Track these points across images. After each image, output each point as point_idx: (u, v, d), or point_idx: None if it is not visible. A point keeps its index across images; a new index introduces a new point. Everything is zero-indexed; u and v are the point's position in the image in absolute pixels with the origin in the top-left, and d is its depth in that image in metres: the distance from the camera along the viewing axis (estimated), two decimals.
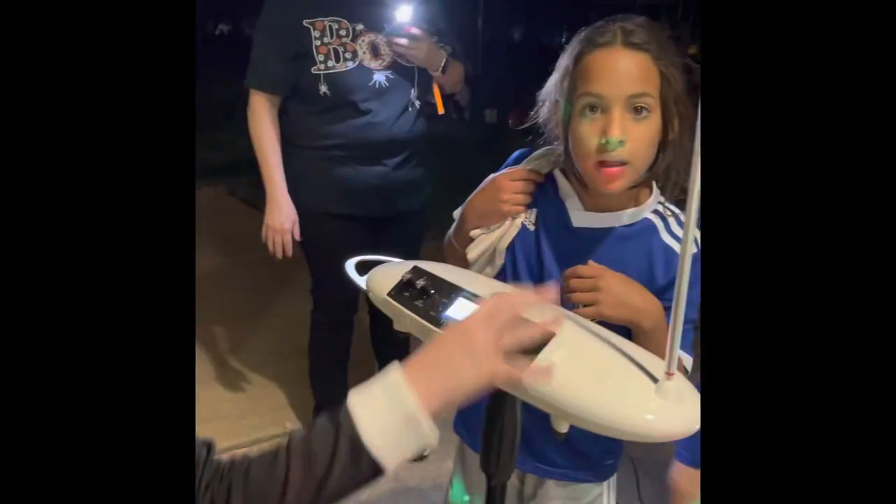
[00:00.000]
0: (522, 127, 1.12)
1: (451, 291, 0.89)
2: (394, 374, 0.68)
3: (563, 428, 0.78)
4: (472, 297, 0.87)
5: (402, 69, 1.98)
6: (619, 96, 0.95)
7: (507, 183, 1.09)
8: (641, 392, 0.72)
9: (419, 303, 0.90)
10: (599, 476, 1.23)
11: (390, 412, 0.66)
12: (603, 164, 0.97)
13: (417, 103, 2.03)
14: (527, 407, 1.05)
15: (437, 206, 2.13)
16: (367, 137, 1.97)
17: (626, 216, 1.07)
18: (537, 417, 1.09)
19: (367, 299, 2.29)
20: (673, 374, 0.71)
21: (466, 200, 1.15)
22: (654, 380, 0.73)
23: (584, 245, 1.06)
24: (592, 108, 0.97)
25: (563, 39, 1.06)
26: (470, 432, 1.27)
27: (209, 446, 0.67)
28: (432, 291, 0.90)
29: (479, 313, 0.73)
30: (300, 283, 2.54)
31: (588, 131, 0.97)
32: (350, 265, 1.11)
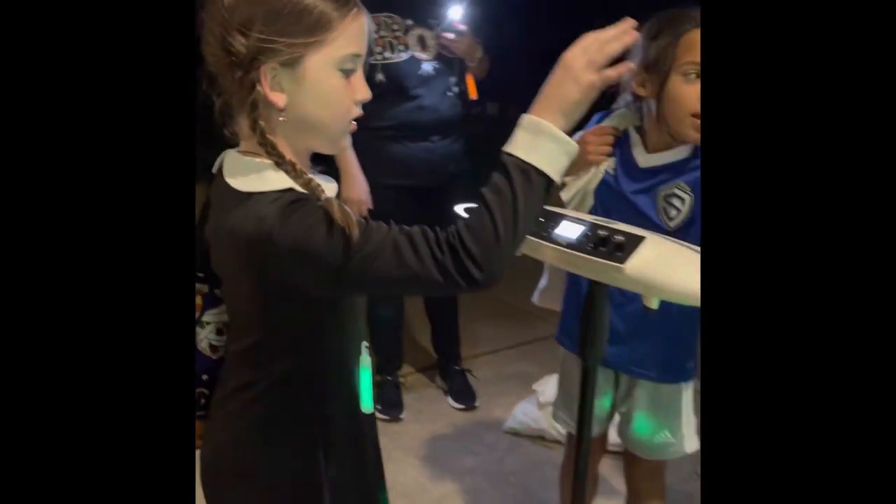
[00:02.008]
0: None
1: (557, 217, 1.19)
2: (524, 116, 0.89)
3: (654, 304, 1.09)
4: (574, 220, 1.17)
5: (445, 60, 2.33)
6: None
7: (592, 137, 1.40)
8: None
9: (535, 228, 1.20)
10: (680, 377, 1.51)
11: (533, 136, 0.88)
12: (696, 116, 1.28)
13: (455, 89, 2.38)
14: (626, 321, 1.35)
15: None
16: (416, 119, 2.32)
17: (680, 151, 1.38)
18: (634, 330, 1.39)
19: None
20: None
21: None
22: None
23: (648, 178, 1.38)
24: (696, 75, 1.28)
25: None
26: (571, 340, 1.56)
27: (425, 229, 0.90)
28: (542, 220, 1.20)
29: (574, 48, 0.91)
30: None
31: (691, 93, 1.28)
32: (459, 209, 1.41)
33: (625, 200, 1.41)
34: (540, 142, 0.88)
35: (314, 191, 0.92)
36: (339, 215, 0.87)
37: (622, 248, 1.08)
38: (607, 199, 1.43)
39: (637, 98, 1.38)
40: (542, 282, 1.61)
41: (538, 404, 2.47)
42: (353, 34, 0.93)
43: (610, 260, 1.08)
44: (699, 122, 1.28)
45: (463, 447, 2.46)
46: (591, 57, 0.89)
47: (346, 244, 0.87)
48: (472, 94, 2.40)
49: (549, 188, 0.89)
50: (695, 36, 1.28)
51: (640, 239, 1.08)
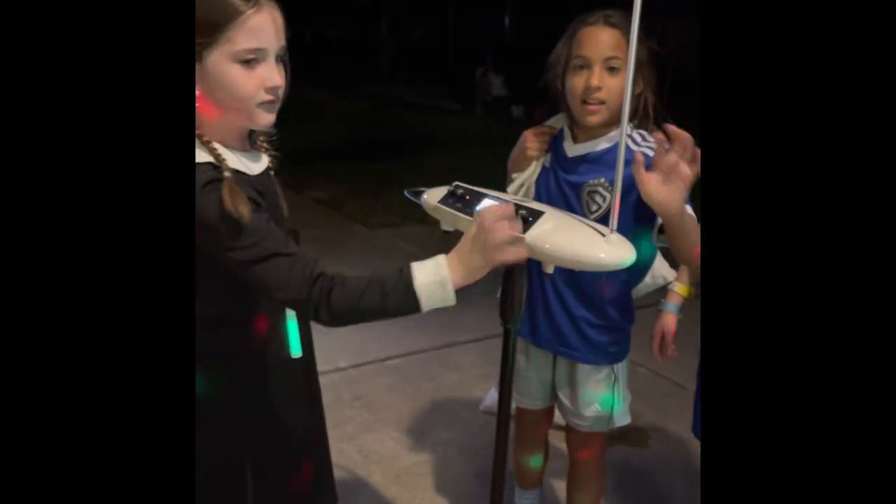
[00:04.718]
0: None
1: (480, 195, 1.36)
2: (441, 257, 1.09)
3: (549, 269, 1.25)
4: (495, 198, 1.34)
5: None
6: (598, 58, 1.42)
7: (530, 135, 1.58)
8: (597, 241, 1.19)
9: (459, 205, 1.37)
10: (610, 360, 1.67)
11: (433, 275, 1.07)
12: (585, 102, 1.45)
13: None
14: (560, 304, 1.56)
15: None
16: None
17: (601, 143, 1.53)
18: (566, 316, 1.59)
19: None
20: (613, 231, 1.18)
21: (510, 156, 1.64)
22: (603, 235, 1.20)
23: (574, 167, 1.54)
24: (581, 66, 1.44)
25: None
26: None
27: (316, 261, 1.09)
28: (468, 197, 1.37)
29: (483, 223, 1.09)
30: None
31: (579, 82, 1.45)
32: (407, 193, 1.59)
33: (558, 189, 1.57)
34: (434, 280, 1.07)
35: (221, 165, 1.07)
36: (228, 196, 1.02)
37: (525, 221, 1.24)
38: (544, 188, 1.59)
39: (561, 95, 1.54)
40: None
41: None
42: (249, 30, 1.04)
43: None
44: (587, 106, 1.45)
45: (440, 422, 2.63)
46: (502, 237, 1.08)
47: (233, 231, 1.03)
48: None
49: (415, 310, 1.08)
50: (583, 33, 1.45)
51: (540, 213, 1.24)
